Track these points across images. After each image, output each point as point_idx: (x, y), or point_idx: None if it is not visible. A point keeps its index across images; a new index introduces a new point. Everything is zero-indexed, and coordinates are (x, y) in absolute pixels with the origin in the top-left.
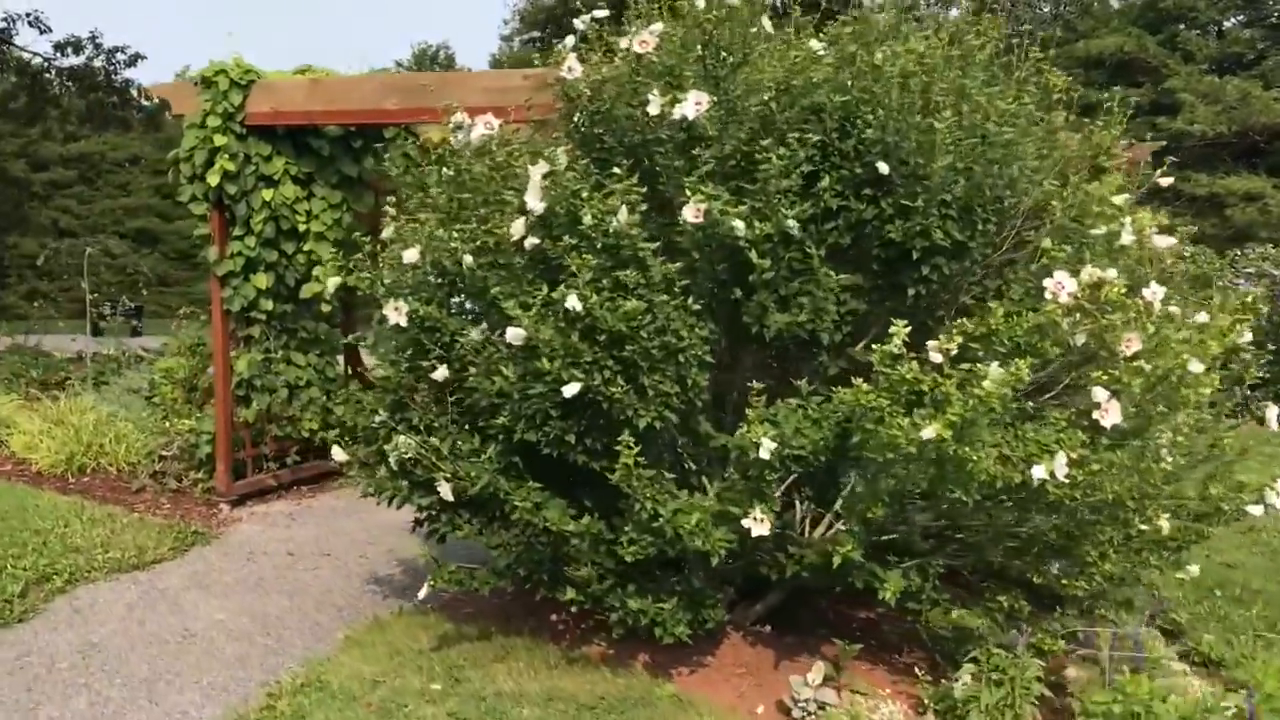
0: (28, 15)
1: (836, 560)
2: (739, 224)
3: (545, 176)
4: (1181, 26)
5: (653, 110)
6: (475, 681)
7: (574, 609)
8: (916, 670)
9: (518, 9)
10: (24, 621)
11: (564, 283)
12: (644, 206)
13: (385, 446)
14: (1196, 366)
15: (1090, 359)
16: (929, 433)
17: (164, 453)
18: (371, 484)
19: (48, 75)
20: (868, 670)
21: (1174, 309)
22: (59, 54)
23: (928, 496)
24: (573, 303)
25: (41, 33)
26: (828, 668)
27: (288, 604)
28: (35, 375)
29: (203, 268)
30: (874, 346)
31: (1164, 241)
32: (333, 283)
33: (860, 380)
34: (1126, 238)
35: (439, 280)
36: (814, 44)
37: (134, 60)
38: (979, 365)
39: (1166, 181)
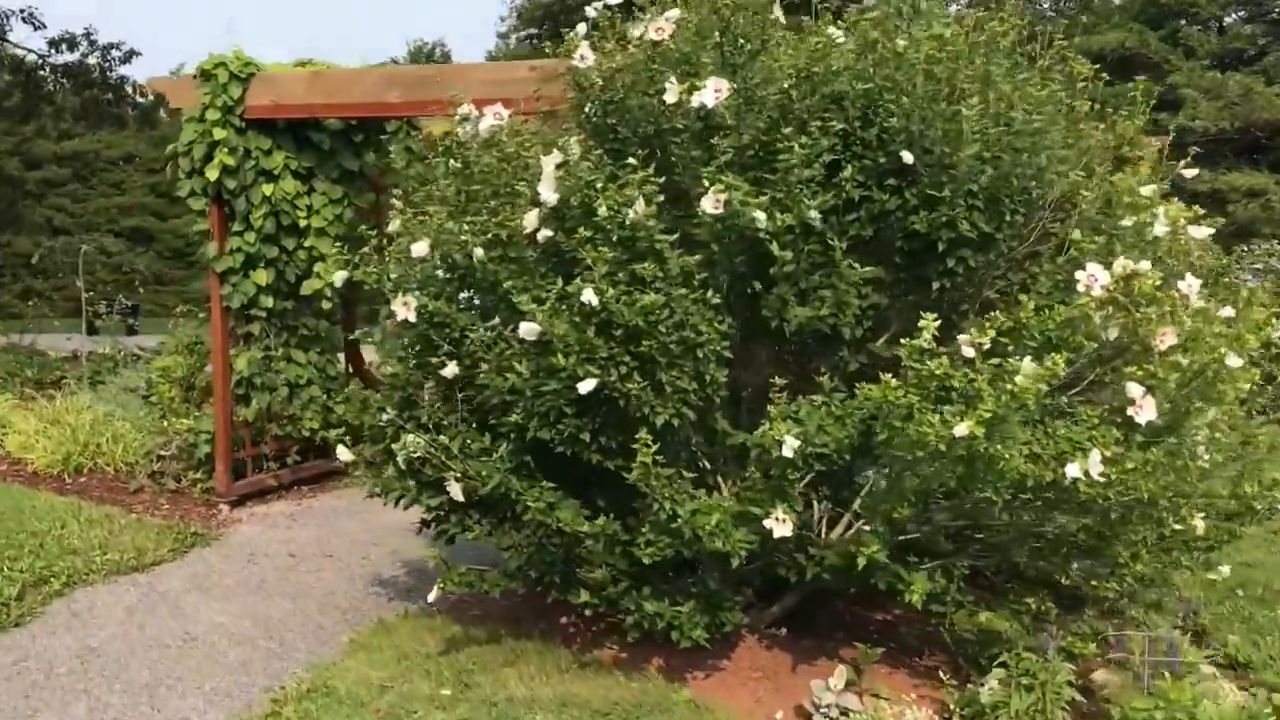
0: (22, 11)
1: (861, 561)
2: (760, 215)
3: (559, 167)
4: (1183, 22)
5: (670, 98)
6: (486, 686)
7: (587, 612)
8: (940, 674)
9: (516, 6)
10: (21, 625)
11: (578, 276)
12: (660, 198)
13: (393, 445)
14: (1234, 361)
15: (1120, 354)
16: (961, 430)
17: (162, 452)
18: (378, 484)
19: (42, 72)
20: (888, 674)
21: (1202, 303)
22: (53, 51)
23: (952, 495)
24: (589, 296)
25: (36, 29)
26: (849, 672)
27: (290, 606)
28: (30, 375)
29: (199, 265)
30: (902, 341)
31: (1199, 233)
32: (339, 276)
33: (888, 376)
34: (1160, 229)
35: (448, 275)
36: (833, 31)
37: (129, 57)
38: (1008, 360)
39: (1191, 173)
